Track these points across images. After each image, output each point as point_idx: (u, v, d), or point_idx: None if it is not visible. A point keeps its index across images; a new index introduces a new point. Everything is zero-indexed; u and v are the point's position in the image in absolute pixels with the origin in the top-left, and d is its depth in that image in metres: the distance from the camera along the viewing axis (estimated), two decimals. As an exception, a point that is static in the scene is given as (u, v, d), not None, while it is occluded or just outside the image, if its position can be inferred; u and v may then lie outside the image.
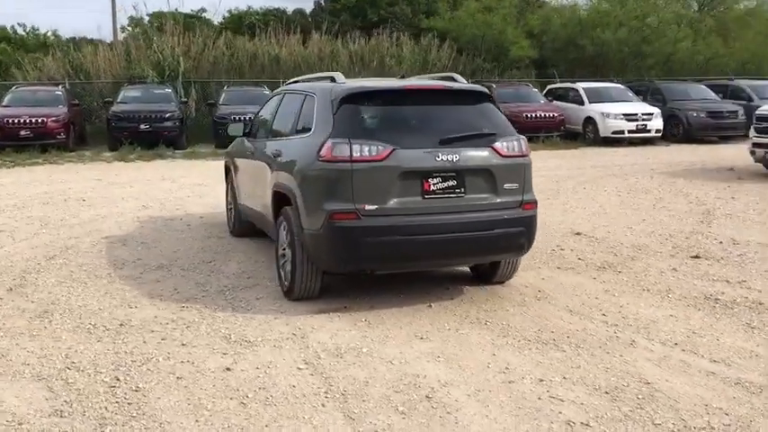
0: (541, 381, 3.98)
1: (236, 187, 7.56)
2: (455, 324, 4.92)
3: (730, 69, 25.66)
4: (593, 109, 19.06)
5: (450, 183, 5.02)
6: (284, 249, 5.52)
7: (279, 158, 5.70)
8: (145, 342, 4.57)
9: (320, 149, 4.95)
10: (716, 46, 27.16)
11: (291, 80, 7.16)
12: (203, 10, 36.39)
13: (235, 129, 7.40)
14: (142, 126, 17.08)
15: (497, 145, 5.18)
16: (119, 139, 17.03)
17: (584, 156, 16.53)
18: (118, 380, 3.97)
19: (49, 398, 3.76)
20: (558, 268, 6.40)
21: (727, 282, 5.88)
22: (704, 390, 3.85)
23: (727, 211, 8.98)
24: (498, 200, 5.16)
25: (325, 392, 3.83)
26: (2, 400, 3.72)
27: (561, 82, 22.73)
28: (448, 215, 5.03)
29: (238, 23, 33.79)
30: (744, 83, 21.57)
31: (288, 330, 4.78)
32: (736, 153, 14.92)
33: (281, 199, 5.59)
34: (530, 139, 6.54)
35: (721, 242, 7.29)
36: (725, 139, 19.11)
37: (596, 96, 19.67)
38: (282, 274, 5.58)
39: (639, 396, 3.77)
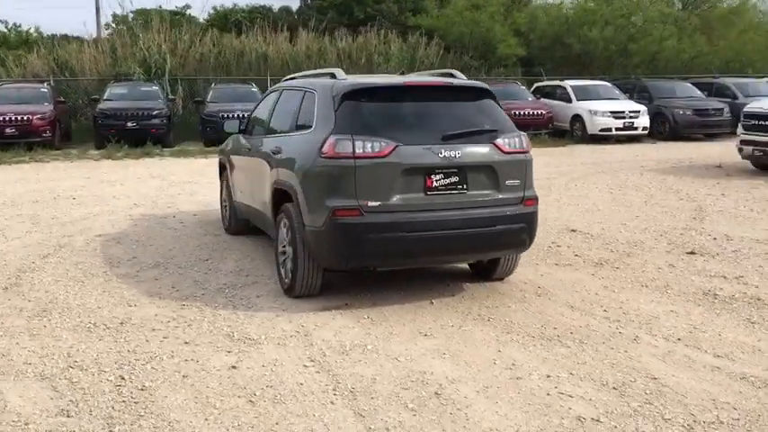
0: (548, 377, 3.99)
1: (231, 185, 7.50)
2: (458, 321, 4.92)
3: (714, 67, 25.93)
4: (581, 107, 19.16)
5: (453, 179, 5.02)
6: (284, 247, 5.49)
7: (278, 155, 5.66)
8: (147, 340, 4.53)
9: (322, 146, 4.93)
10: (700, 44, 27.39)
11: (288, 77, 7.12)
12: (188, 6, 36.18)
13: (230, 125, 7.34)
14: (129, 124, 16.91)
15: (499, 141, 5.18)
16: (105, 136, 16.84)
17: (572, 153, 16.60)
18: (123, 379, 3.93)
19: (53, 397, 3.71)
20: (556, 265, 6.42)
21: (724, 277, 5.93)
22: (710, 384, 3.88)
23: (718, 208, 9.05)
24: (500, 196, 5.17)
25: (334, 390, 3.82)
26: (6, 400, 3.67)
27: (548, 80, 22.83)
28: (450, 211, 5.02)
29: (224, 21, 33.59)
30: (728, 80, 21.75)
31: (291, 328, 4.75)
32: (723, 150, 15.06)
33: (281, 196, 5.56)
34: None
35: (715, 238, 7.35)
36: (711, 137, 19.28)
37: (584, 94, 19.77)
38: (282, 271, 5.55)
39: (647, 391, 3.79)
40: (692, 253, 6.74)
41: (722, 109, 19.21)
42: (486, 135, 5.20)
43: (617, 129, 18.58)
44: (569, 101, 19.72)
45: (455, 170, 5.02)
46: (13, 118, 15.98)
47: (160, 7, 28.01)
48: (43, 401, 3.67)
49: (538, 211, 5.43)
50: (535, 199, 5.37)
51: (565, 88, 20.26)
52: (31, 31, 34.83)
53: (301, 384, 3.88)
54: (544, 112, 19.16)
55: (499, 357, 4.27)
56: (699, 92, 20.65)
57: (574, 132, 19.30)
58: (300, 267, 5.20)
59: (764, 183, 11.05)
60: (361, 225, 4.84)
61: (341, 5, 33.48)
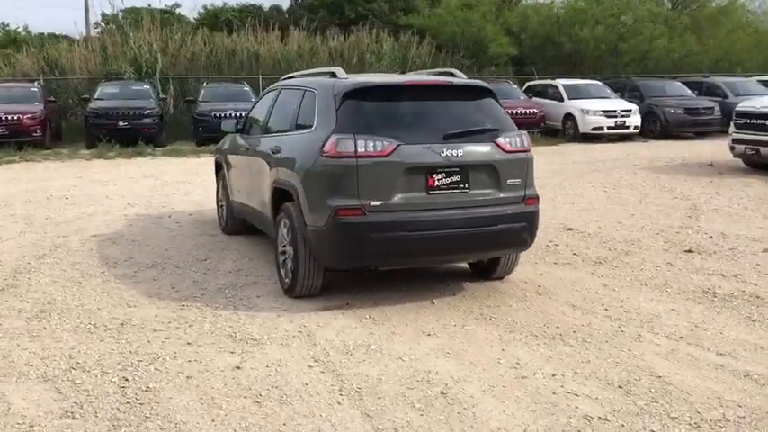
0: (554, 375, 3.99)
1: (228, 184, 7.46)
2: (460, 320, 4.91)
3: (704, 66, 26.08)
4: (573, 106, 19.22)
5: (455, 178, 5.01)
6: (285, 246, 5.46)
7: (278, 155, 5.63)
8: (149, 341, 4.49)
9: (324, 145, 4.91)
10: (690, 43, 27.57)
11: (286, 76, 7.09)
12: (177, 5, 36.02)
13: (227, 125, 7.31)
14: (121, 123, 16.79)
15: (500, 140, 5.19)
16: (97, 136, 16.71)
17: (565, 152, 16.64)
18: (127, 380, 3.90)
19: (57, 399, 3.68)
20: (555, 263, 6.43)
21: (723, 276, 5.96)
22: (715, 383, 3.89)
23: (713, 206, 9.09)
24: (501, 195, 5.17)
25: (340, 390, 3.80)
26: (10, 402, 3.63)
27: (540, 79, 22.89)
28: (452, 211, 5.02)
29: (214, 20, 33.44)
30: (719, 80, 21.88)
31: (293, 328, 4.74)
32: (715, 149, 15.14)
33: (281, 195, 5.53)
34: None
35: (711, 236, 7.38)
36: (701, 136, 19.40)
37: (575, 93, 19.83)
38: (283, 271, 5.53)
39: (652, 390, 3.80)
40: (689, 251, 6.77)
41: (713, 108, 19.33)
42: (488, 134, 5.20)
43: (609, 128, 18.65)
44: (561, 100, 19.77)
45: (457, 169, 5.01)
46: (3, 117, 15.84)
47: (150, 6, 27.89)
48: (47, 403, 3.63)
49: (539, 211, 5.43)
50: (536, 198, 5.38)
51: (556, 87, 20.32)
52: (20, 30, 34.59)
53: (307, 384, 3.87)
54: (536, 111, 19.20)
55: (503, 356, 4.27)
56: (689, 91, 20.77)
57: (566, 131, 19.36)
58: (301, 267, 5.18)
59: (757, 181, 11.12)
60: (364, 224, 4.83)
61: (332, 4, 33.40)
